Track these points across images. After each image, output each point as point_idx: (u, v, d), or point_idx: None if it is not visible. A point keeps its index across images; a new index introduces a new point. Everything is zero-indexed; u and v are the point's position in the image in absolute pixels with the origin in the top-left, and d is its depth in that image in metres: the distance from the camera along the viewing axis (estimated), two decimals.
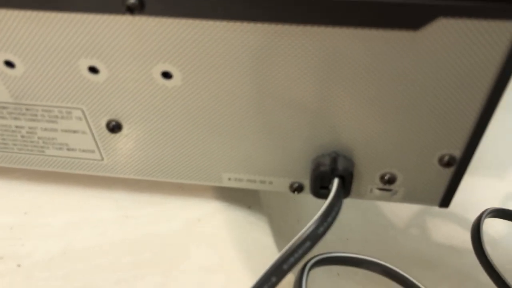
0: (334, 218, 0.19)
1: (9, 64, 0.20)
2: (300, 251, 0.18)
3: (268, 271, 0.18)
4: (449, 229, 0.35)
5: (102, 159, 0.24)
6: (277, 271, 0.18)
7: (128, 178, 0.26)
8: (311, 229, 0.18)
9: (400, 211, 0.37)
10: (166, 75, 0.19)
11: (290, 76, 0.19)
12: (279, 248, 0.25)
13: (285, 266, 0.18)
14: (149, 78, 0.19)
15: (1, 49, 0.19)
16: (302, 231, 0.18)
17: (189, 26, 0.17)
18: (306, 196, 0.24)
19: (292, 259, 0.18)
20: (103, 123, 0.22)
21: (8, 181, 0.28)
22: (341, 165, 0.21)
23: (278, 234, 0.27)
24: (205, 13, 0.17)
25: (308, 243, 0.18)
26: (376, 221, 0.37)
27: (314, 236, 0.18)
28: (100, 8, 0.17)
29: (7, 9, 0.18)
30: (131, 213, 0.26)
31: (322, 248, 0.20)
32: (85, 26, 0.18)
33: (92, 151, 0.24)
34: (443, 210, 0.29)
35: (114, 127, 0.22)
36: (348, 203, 0.32)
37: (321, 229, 0.18)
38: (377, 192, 0.23)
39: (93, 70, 0.20)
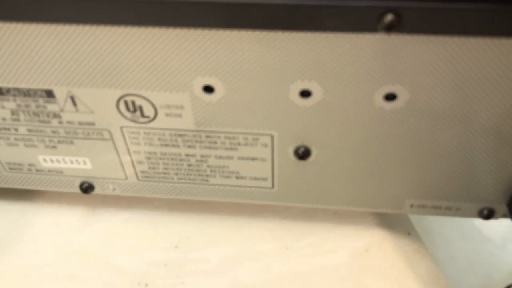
0: None
1: (208, 89, 0.18)
2: None
3: None
4: None
5: (273, 187, 0.22)
6: None
7: (277, 206, 0.25)
8: None
9: (495, 225, 0.36)
10: (389, 97, 0.18)
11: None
12: None
13: None
14: (368, 100, 0.18)
15: (204, 74, 0.18)
16: None
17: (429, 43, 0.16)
18: None
19: None
20: (291, 150, 0.20)
21: (148, 212, 0.26)
22: None
23: None
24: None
25: None
26: (473, 236, 0.36)
27: None
28: (350, 27, 0.15)
29: (225, 29, 0.16)
30: (291, 244, 0.24)
31: None
32: (310, 46, 0.16)
33: (265, 179, 0.22)
34: None
35: (304, 154, 0.20)
36: (442, 218, 0.31)
37: None
38: None
39: (305, 93, 0.18)
